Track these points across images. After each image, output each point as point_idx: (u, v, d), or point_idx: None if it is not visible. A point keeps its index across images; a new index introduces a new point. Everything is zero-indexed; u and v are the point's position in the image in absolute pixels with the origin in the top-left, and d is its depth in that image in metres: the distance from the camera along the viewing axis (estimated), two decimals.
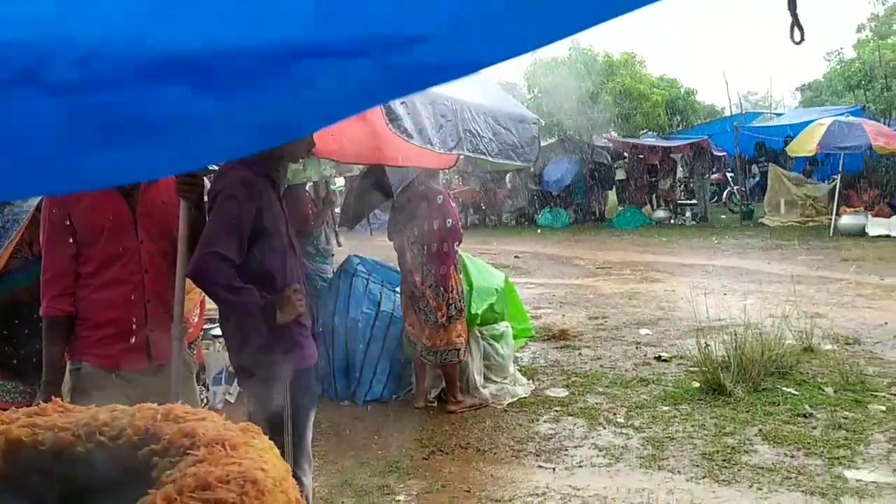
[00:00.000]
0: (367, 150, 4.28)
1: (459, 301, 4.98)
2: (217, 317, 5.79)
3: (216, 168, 3.07)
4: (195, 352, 4.49)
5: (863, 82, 17.99)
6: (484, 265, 5.77)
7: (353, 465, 4.10)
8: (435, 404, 5.10)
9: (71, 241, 2.56)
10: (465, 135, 3.04)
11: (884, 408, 4.55)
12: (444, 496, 3.70)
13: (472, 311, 5.21)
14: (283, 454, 1.20)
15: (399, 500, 3.68)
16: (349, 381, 5.25)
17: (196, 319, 4.72)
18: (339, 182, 15.47)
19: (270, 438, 1.12)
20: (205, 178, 2.85)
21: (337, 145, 4.17)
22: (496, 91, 4.29)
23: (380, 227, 7.25)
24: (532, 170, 18.26)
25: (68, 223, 2.55)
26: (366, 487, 3.80)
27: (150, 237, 2.63)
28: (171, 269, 2.62)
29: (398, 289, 5.24)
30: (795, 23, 0.94)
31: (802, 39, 0.95)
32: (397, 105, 2.52)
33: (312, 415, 2.79)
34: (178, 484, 0.81)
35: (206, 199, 2.63)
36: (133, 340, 2.59)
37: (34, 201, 3.70)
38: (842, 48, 23.56)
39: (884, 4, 21.64)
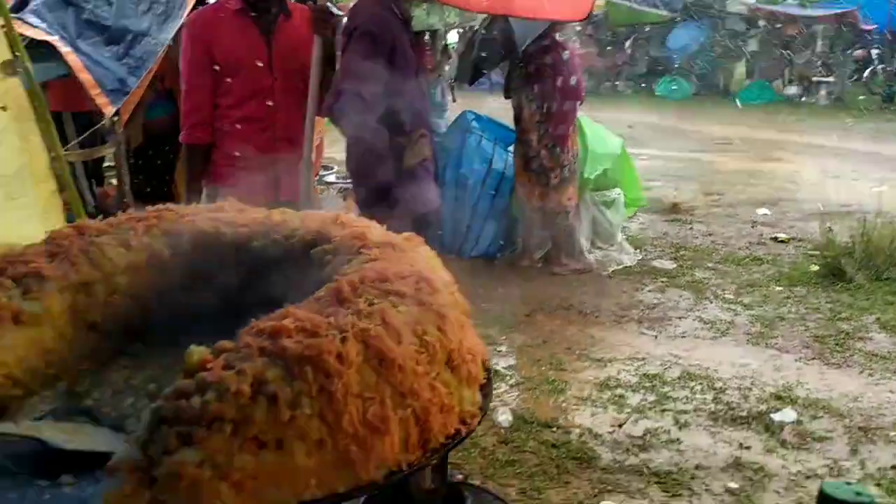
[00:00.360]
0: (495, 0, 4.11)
1: (573, 163, 4.89)
2: (329, 164, 5.94)
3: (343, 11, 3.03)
4: None
5: None
6: (601, 129, 5.58)
7: None
8: (539, 265, 5.14)
9: (211, 72, 2.63)
10: None
11: None
12: (544, 351, 3.80)
13: (585, 176, 5.12)
14: None
15: (501, 351, 3.81)
16: (456, 236, 5.34)
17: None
18: (452, 38, 15.04)
19: None
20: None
21: None
22: None
23: (495, 86, 7.09)
24: (655, 33, 17.17)
25: (209, 55, 2.61)
26: None
27: (284, 75, 2.66)
28: (302, 107, 2.66)
29: (511, 147, 5.19)
30: None
31: None
32: None
33: None
34: (360, 274, 0.86)
35: (339, 35, 2.62)
36: (264, 175, 2.70)
37: (169, 34, 3.80)
38: None
39: None
